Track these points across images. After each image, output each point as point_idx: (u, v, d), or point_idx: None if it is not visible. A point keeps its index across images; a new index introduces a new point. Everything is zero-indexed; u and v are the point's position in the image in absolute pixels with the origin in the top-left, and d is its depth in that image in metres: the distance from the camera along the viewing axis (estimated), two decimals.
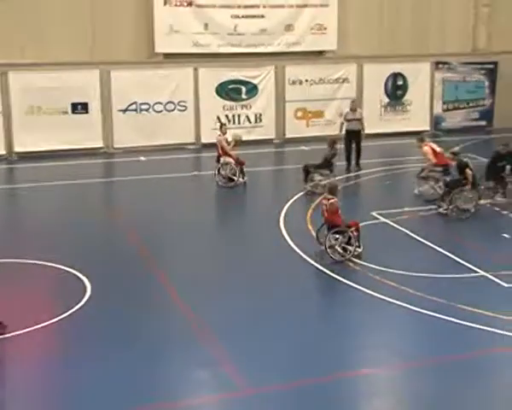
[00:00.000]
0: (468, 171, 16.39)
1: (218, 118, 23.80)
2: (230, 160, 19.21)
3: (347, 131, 21.00)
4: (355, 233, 13.71)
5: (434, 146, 18.29)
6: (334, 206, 13.71)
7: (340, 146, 19.95)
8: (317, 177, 18.43)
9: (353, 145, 21.05)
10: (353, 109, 21.16)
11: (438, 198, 16.92)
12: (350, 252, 13.66)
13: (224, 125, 20.65)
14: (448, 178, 17.10)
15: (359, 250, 13.77)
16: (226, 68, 24.26)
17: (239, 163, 19.21)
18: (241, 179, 19.15)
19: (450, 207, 16.26)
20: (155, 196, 18.49)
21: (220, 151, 19.41)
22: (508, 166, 17.60)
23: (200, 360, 9.93)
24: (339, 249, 13.68)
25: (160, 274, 13.13)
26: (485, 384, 9.56)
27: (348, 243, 13.70)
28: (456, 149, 17.00)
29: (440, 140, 25.13)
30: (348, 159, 20.98)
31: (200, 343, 10.45)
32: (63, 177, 20.33)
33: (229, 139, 19.47)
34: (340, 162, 20.12)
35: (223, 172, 19.24)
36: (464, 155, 18.24)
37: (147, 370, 9.63)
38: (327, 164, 18.51)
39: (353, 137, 20.96)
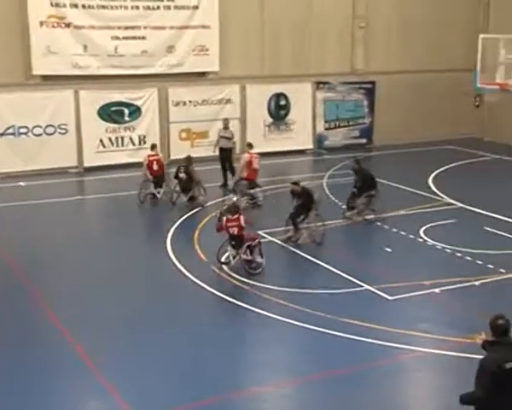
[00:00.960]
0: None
1: None
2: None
3: (221, 148, 21.24)
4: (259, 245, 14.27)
5: (256, 161, 19.03)
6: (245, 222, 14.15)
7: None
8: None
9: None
10: (225, 127, 21.32)
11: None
12: (260, 263, 14.07)
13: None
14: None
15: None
16: (108, 90, 23.81)
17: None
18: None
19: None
20: (36, 222, 17.84)
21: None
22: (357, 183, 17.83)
23: (85, 388, 9.56)
24: (258, 260, 14.11)
25: (40, 301, 12.61)
26: (373, 395, 9.70)
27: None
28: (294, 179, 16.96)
29: (323, 158, 25.74)
30: (225, 175, 21.17)
31: (84, 371, 10.07)
32: None
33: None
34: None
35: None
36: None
37: (32, 402, 9.17)
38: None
39: (225, 154, 21.09)
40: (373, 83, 27.81)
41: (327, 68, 27.16)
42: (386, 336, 11.25)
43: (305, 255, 15.08)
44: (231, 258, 14.27)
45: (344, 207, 18.02)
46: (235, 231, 14.12)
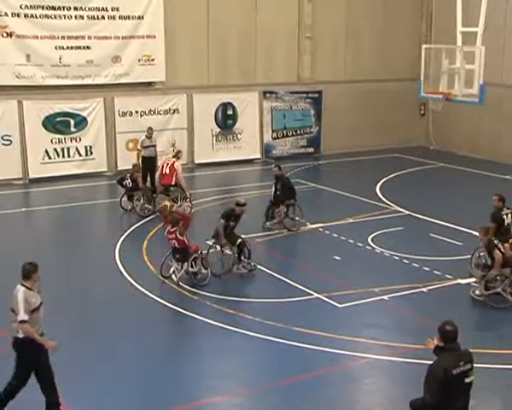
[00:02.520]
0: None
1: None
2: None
3: (145, 157, 20.78)
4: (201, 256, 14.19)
5: (179, 168, 19.04)
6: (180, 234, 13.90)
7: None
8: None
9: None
10: (149, 136, 21.08)
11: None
12: (206, 274, 14.03)
13: (180, 151, 20.49)
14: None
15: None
16: (53, 101, 23.42)
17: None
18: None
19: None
20: None
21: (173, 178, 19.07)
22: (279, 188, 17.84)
23: (33, 401, 9.32)
24: (203, 271, 14.05)
25: None
26: (324, 403, 9.71)
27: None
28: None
29: (271, 168, 25.76)
30: (145, 183, 20.64)
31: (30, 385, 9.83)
32: None
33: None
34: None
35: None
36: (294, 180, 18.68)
37: None
38: None
39: (150, 163, 20.85)
40: (320, 92, 28.02)
41: (274, 78, 27.27)
42: (336, 344, 11.30)
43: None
44: (176, 272, 14.03)
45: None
46: (175, 243, 13.91)
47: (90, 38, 23.67)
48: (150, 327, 12.23)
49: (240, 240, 14.77)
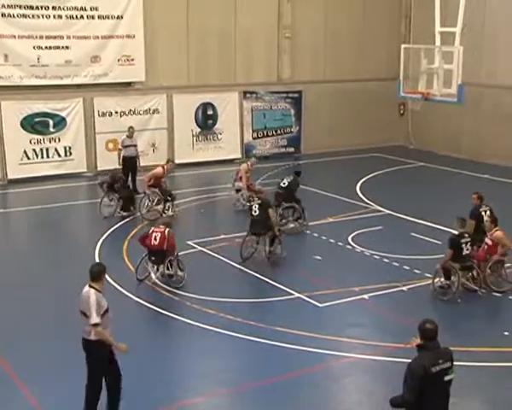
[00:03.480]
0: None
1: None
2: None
3: (125, 157, 20.85)
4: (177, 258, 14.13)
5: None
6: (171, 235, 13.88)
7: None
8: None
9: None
10: (130, 136, 21.05)
11: None
12: (182, 276, 13.96)
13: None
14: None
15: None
16: (31, 101, 23.24)
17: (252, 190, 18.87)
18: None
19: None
20: None
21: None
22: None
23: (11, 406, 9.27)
24: (179, 273, 14.00)
25: None
26: (306, 403, 9.72)
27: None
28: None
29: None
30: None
31: (8, 391, 9.75)
32: None
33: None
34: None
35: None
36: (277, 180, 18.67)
37: None
38: None
39: (130, 163, 20.82)
40: (300, 92, 28.05)
41: (254, 78, 27.26)
42: (317, 343, 11.31)
43: (235, 265, 15.03)
44: (152, 275, 13.96)
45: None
46: (156, 238, 13.70)
47: (68, 37, 23.52)
48: (130, 328, 12.14)
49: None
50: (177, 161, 25.50)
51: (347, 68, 28.74)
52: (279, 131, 28.04)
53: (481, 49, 26.37)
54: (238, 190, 19.59)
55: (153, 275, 13.96)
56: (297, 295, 13.38)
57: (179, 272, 14.03)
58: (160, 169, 19.03)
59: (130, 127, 21.44)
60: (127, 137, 21.02)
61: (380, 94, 28.78)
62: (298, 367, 10.64)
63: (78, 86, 24.05)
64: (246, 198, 18.89)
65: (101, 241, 16.72)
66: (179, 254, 14.30)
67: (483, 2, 25.88)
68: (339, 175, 24.25)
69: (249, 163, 19.94)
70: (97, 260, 15.31)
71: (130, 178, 20.72)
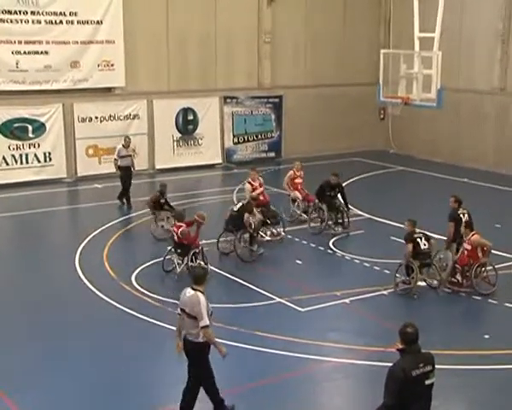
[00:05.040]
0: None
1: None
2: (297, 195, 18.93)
3: (122, 167, 20.49)
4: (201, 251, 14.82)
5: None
6: (185, 231, 14.49)
7: None
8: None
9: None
10: (126, 146, 20.65)
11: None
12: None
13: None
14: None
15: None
16: (10, 106, 23.08)
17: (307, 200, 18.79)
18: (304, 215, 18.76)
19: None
20: None
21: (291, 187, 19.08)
22: (339, 197, 17.98)
23: None
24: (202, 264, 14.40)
25: None
26: (287, 408, 9.71)
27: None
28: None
29: (233, 172, 25.78)
30: (125, 196, 20.45)
31: None
32: None
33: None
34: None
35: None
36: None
37: None
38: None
39: (126, 174, 20.50)
40: (280, 97, 28.10)
41: (234, 83, 27.27)
42: (298, 348, 11.32)
43: (216, 270, 15.00)
44: (177, 266, 14.64)
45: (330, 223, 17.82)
46: (175, 237, 14.53)
47: (47, 42, 23.40)
48: (110, 334, 12.10)
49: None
50: (157, 167, 25.47)
51: (328, 73, 28.84)
52: (260, 136, 28.06)
53: (460, 54, 26.62)
54: (294, 201, 19.03)
55: (177, 267, 14.59)
56: (278, 299, 13.38)
57: (203, 265, 14.38)
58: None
59: (127, 137, 21.22)
60: (123, 146, 20.62)
61: (360, 99, 28.90)
62: (279, 372, 10.63)
63: (58, 92, 23.92)
64: (302, 208, 18.79)
65: (81, 247, 16.62)
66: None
67: (461, 8, 26.11)
68: (319, 180, 24.19)
69: (294, 169, 19.42)
70: (78, 266, 15.25)
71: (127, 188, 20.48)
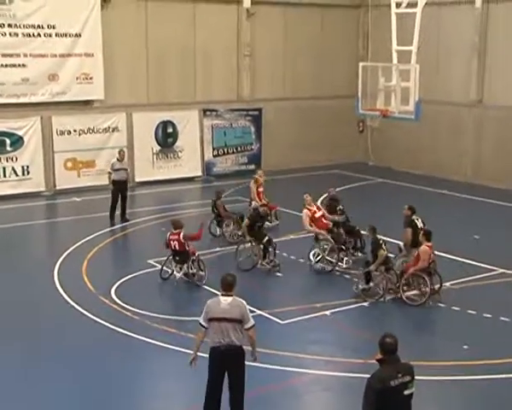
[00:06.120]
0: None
1: None
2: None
3: (116, 181, 20.15)
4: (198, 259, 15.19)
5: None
6: (187, 234, 14.98)
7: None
8: None
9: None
10: (121, 159, 20.41)
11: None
12: (203, 275, 15.02)
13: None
14: None
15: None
16: None
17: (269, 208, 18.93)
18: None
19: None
20: None
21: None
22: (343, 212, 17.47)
23: None
24: (200, 273, 15.00)
25: None
26: None
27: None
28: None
29: (212, 185, 25.75)
30: (114, 209, 20.13)
31: None
32: None
33: None
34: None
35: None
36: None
37: None
38: None
39: (120, 187, 20.16)
40: (260, 110, 28.16)
41: (213, 96, 27.30)
42: (278, 360, 11.28)
43: (197, 283, 14.92)
44: (176, 273, 14.88)
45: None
46: (176, 245, 14.74)
47: (25, 55, 23.27)
48: (89, 348, 12.00)
49: (266, 238, 15.96)
50: (137, 180, 25.35)
51: (307, 86, 28.97)
52: (239, 149, 28.08)
53: (437, 67, 26.84)
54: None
55: (177, 274, 14.89)
56: (258, 312, 13.32)
57: (200, 272, 14.98)
58: None
59: (121, 150, 20.95)
60: (117, 160, 20.32)
61: (339, 111, 29.04)
62: (259, 385, 10.57)
63: (36, 105, 23.78)
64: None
65: (60, 261, 16.49)
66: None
67: (437, 21, 26.35)
68: (299, 192, 24.20)
69: (256, 177, 19.62)
70: (56, 280, 15.13)
71: (120, 203, 20.10)
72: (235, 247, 16.40)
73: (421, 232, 14.34)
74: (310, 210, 16.58)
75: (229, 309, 8.88)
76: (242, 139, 28.09)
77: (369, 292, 14.21)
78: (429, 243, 13.99)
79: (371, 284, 14.22)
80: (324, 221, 16.52)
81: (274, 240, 16.57)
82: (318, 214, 16.56)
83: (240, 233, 17.37)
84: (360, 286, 14.32)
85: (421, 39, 18.32)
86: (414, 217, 15.17)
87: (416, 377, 7.14)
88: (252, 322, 9.02)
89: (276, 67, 28.58)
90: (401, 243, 15.46)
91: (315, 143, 29.12)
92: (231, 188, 24.25)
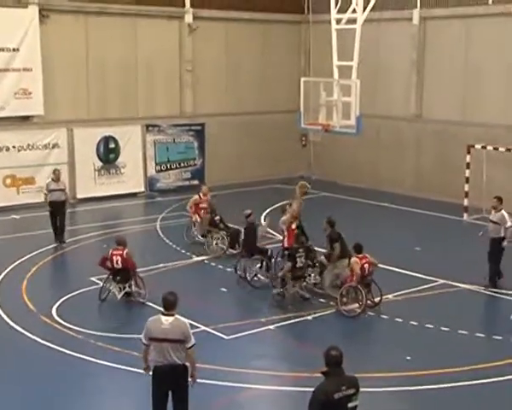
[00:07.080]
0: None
1: None
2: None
3: (52, 202, 19.28)
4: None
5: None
6: (129, 255, 14.67)
7: None
8: None
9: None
10: (56, 179, 19.49)
11: None
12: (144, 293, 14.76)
13: None
14: None
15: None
16: None
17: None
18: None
19: None
20: None
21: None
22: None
23: None
24: (141, 291, 14.76)
25: None
26: None
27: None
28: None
29: (156, 201, 25.57)
30: (56, 231, 19.35)
31: None
32: None
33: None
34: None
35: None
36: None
37: None
38: None
39: (58, 208, 19.31)
40: (202, 125, 28.12)
41: (156, 111, 27.17)
42: (223, 376, 11.22)
43: (140, 300, 14.75)
44: (117, 294, 14.60)
45: None
46: (118, 261, 14.44)
47: None
48: (31, 370, 11.71)
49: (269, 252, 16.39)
50: (78, 196, 24.98)
51: (249, 101, 29.08)
52: (183, 164, 27.97)
53: (377, 82, 27.26)
54: (194, 224, 19.35)
55: (118, 295, 14.58)
56: (202, 328, 13.24)
57: (141, 290, 14.71)
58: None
59: (56, 170, 19.90)
60: (52, 180, 19.49)
61: (282, 126, 29.20)
62: (204, 401, 10.48)
63: None
64: (200, 232, 19.02)
65: None
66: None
67: (376, 38, 26.78)
68: (243, 207, 24.25)
69: (201, 193, 19.63)
70: None
71: (58, 225, 19.28)
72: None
73: (353, 245, 14.57)
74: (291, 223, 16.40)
75: (171, 329, 8.73)
76: (185, 155, 27.98)
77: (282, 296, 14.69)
78: (360, 255, 14.19)
79: (287, 287, 14.63)
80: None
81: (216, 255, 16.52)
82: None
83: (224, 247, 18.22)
84: (274, 291, 14.81)
85: (361, 55, 18.57)
86: (335, 230, 15.57)
87: (361, 390, 7.17)
88: (193, 341, 8.84)
89: (219, 82, 28.60)
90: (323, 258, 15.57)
91: (258, 158, 29.23)
92: (174, 204, 24.09)
